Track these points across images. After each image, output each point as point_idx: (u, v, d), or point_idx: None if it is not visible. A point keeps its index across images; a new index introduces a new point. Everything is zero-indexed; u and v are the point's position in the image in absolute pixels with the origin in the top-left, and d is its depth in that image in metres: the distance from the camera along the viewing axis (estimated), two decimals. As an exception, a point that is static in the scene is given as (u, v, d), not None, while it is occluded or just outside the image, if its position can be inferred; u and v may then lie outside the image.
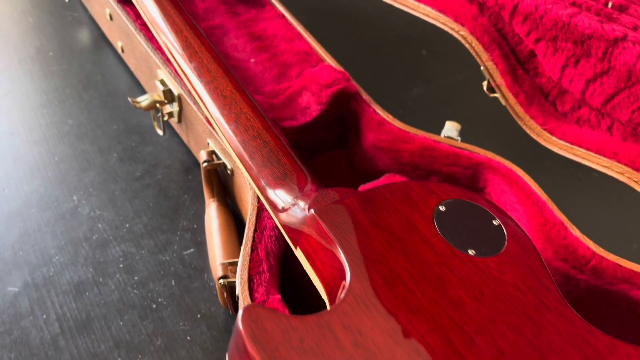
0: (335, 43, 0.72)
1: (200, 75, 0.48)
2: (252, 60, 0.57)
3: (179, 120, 0.55)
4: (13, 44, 0.68)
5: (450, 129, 0.55)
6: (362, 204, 0.37)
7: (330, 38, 0.74)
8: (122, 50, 0.64)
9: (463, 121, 0.67)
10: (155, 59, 0.54)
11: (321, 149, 0.55)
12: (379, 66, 0.73)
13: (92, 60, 0.67)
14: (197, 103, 0.49)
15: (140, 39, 0.57)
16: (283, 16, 0.62)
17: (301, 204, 0.39)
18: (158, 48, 0.55)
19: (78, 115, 0.60)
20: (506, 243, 0.36)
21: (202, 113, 0.49)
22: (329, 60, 0.57)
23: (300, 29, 0.61)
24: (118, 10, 0.60)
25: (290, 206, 0.39)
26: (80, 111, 0.61)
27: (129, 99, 0.53)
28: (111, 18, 0.63)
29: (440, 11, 0.51)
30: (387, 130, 0.51)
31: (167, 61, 0.54)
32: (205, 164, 0.49)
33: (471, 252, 0.35)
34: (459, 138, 0.52)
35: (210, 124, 0.49)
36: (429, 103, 0.68)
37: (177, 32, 0.50)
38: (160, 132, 0.57)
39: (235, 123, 0.44)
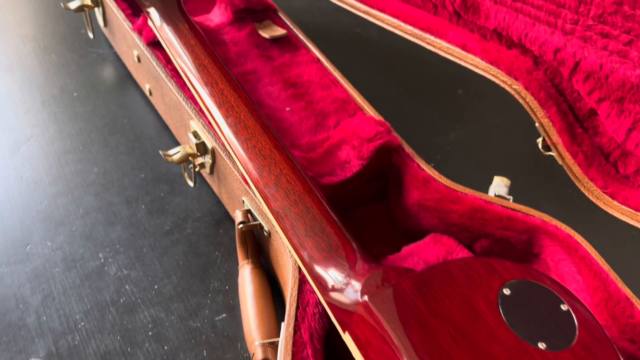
0: (367, 81, 0.70)
1: (237, 132, 0.45)
2: (288, 109, 0.55)
3: (211, 172, 0.53)
4: (37, 84, 0.66)
5: (499, 185, 0.52)
6: (420, 289, 0.34)
7: (361, 75, 0.72)
8: (150, 93, 0.63)
9: (509, 173, 0.64)
10: (188, 109, 0.52)
11: (359, 202, 0.53)
12: (413, 106, 0.71)
13: (118, 101, 0.65)
14: (233, 160, 0.47)
15: (171, 86, 0.55)
16: (318, 60, 0.60)
17: (354, 284, 0.36)
18: (190, 97, 0.53)
19: (104, 162, 0.58)
20: (577, 332, 0.33)
21: (238, 170, 0.47)
22: (367, 108, 0.55)
23: (336, 74, 0.58)
24: (147, 53, 0.58)
25: (342, 286, 0.36)
26: (106, 158, 0.59)
27: (161, 153, 0.51)
28: (139, 60, 0.61)
29: (491, 63, 0.48)
30: (433, 189, 0.48)
31: (200, 111, 0.52)
32: (240, 226, 0.46)
33: (541, 345, 0.32)
34: (510, 197, 0.49)
35: (247, 183, 0.46)
36: (469, 149, 0.66)
37: (212, 84, 0.48)
38: (191, 184, 0.54)
39: (275, 186, 0.42)
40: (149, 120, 0.63)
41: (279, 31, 0.62)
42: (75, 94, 0.65)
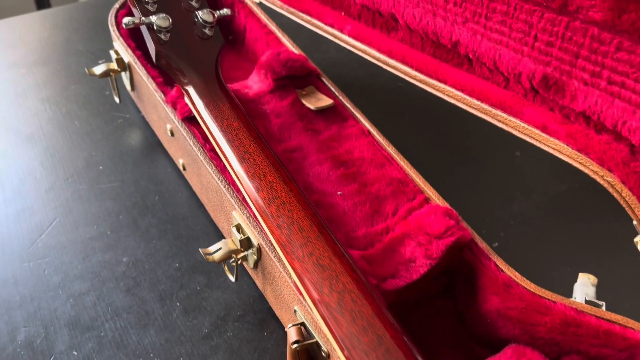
0: (412, 143, 0.65)
1: (290, 235, 0.40)
2: (339, 193, 0.50)
3: (255, 267, 0.48)
4: (59, 156, 0.62)
5: (586, 284, 0.46)
6: None
7: (405, 135, 0.67)
8: (184, 169, 0.58)
9: (587, 255, 0.58)
10: (230, 198, 0.48)
11: (422, 300, 0.47)
12: (467, 172, 0.65)
13: (148, 175, 0.61)
14: (285, 266, 0.42)
15: (210, 170, 0.50)
16: (369, 133, 0.55)
17: None
18: (232, 183, 0.48)
19: (134, 249, 0.53)
20: None
21: (290, 277, 0.42)
22: (429, 190, 0.50)
23: (390, 150, 0.53)
24: (182, 130, 0.53)
25: None
26: (137, 244, 0.54)
27: (201, 251, 0.46)
28: (172, 134, 0.57)
29: (579, 150, 0.43)
30: (516, 296, 0.42)
31: (243, 200, 0.47)
32: (295, 346, 0.41)
33: None
34: (603, 304, 0.43)
35: (301, 294, 0.41)
36: (535, 223, 0.60)
37: (260, 176, 0.43)
38: (231, 279, 0.49)
39: (338, 307, 0.37)
40: (182, 197, 0.59)
41: (325, 101, 0.57)
42: (100, 167, 0.61)
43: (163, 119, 0.58)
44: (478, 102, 0.49)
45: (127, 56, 0.61)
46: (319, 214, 0.43)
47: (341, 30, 0.61)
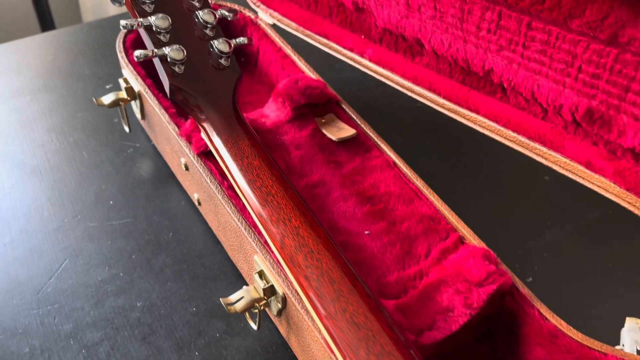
0: (433, 167, 0.62)
1: (320, 287, 0.37)
2: (367, 232, 0.47)
3: (279, 315, 0.45)
4: (67, 191, 0.59)
5: (634, 330, 0.43)
6: None
7: (426, 159, 0.64)
8: (199, 204, 0.55)
9: (627, 289, 0.55)
10: (251, 241, 0.45)
11: (459, 348, 0.44)
12: (494, 199, 0.62)
13: (161, 209, 0.58)
14: (314, 320, 0.39)
15: (228, 209, 0.47)
16: (394, 165, 0.52)
17: None
18: (254, 225, 0.46)
19: (149, 293, 0.51)
20: None
21: (321, 334, 0.39)
22: (463, 230, 0.47)
23: (418, 183, 0.51)
24: (197, 165, 0.51)
25: None
26: (151, 287, 0.51)
27: (222, 301, 0.43)
28: (187, 168, 0.54)
29: (628, 190, 0.40)
30: (563, 347, 0.39)
31: (265, 244, 0.45)
32: (329, 407, 0.38)
33: None
34: (657, 353, 0.40)
35: (333, 354, 0.38)
36: (569, 254, 0.57)
37: (285, 221, 0.41)
38: (254, 327, 0.47)
39: (378, 372, 0.34)
40: (198, 233, 0.56)
41: (347, 131, 0.54)
42: (111, 202, 0.58)
43: (177, 152, 0.55)
44: (514, 134, 0.46)
45: (137, 85, 0.59)
46: (347, 257, 0.41)
47: (361, 55, 0.58)
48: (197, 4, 0.52)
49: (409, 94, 0.54)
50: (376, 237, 0.47)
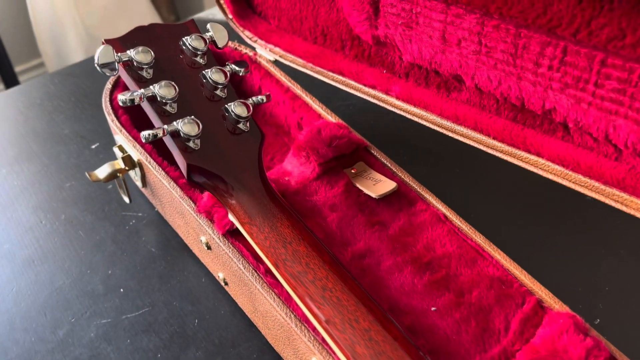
0: (464, 199, 0.56)
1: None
2: (433, 308, 0.41)
3: (347, 418, 0.39)
4: (70, 283, 0.52)
5: None
6: None
7: (458, 192, 0.58)
8: (226, 283, 0.49)
9: None
10: (306, 341, 0.38)
11: None
12: (540, 232, 0.57)
13: (180, 292, 0.51)
14: None
15: (270, 301, 0.41)
16: (445, 218, 0.47)
17: None
18: (306, 319, 0.39)
19: (185, 401, 0.44)
20: None
21: None
22: (540, 291, 0.42)
23: (478, 239, 0.45)
24: (223, 246, 0.44)
25: None
26: (187, 393, 0.45)
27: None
28: (209, 248, 0.47)
29: None
30: None
31: (323, 341, 0.38)
32: None
33: None
34: None
35: None
36: (631, 287, 0.53)
37: (351, 322, 0.35)
38: None
39: None
40: (226, 315, 0.49)
41: (386, 184, 0.48)
42: (122, 290, 0.51)
43: (194, 229, 0.48)
44: (586, 179, 0.41)
45: (136, 153, 0.51)
46: (419, 345, 0.35)
47: (386, 92, 0.52)
48: (201, 61, 0.45)
49: (450, 134, 0.49)
50: (445, 313, 0.41)
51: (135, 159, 0.52)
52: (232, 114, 0.43)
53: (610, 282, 0.54)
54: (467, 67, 0.45)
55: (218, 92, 0.44)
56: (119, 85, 0.57)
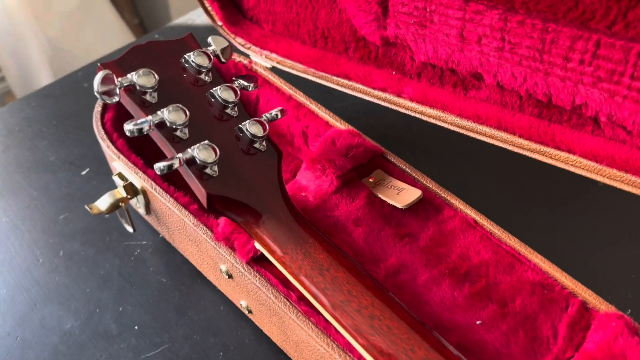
0: (492, 202, 0.55)
1: None
2: (479, 322, 0.40)
3: None
4: (79, 327, 0.48)
5: None
6: None
7: (485, 194, 0.57)
8: (250, 312, 0.46)
9: None
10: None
11: None
12: (557, 223, 0.57)
13: (199, 323, 0.48)
14: None
15: (306, 329, 0.38)
16: (476, 223, 0.45)
17: None
18: (345, 345, 0.37)
19: None
20: None
21: None
22: (582, 291, 0.40)
23: (512, 242, 0.43)
24: (247, 274, 0.41)
25: None
26: None
27: None
28: (230, 276, 0.45)
29: None
30: None
31: (372, 371, 0.36)
32: None
33: None
34: None
35: None
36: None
37: (406, 351, 0.33)
38: None
39: None
40: (252, 345, 0.46)
41: (410, 192, 0.46)
42: (136, 328, 0.48)
43: (212, 258, 0.46)
44: (622, 174, 0.40)
45: (139, 181, 0.48)
46: None
47: (399, 95, 0.50)
48: (206, 78, 0.42)
49: (471, 134, 0.47)
50: (492, 326, 0.39)
51: (139, 187, 0.48)
52: (248, 133, 0.40)
53: (636, 269, 0.53)
54: (488, 64, 0.43)
55: (228, 110, 0.41)
56: (109, 107, 0.53)
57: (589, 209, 0.58)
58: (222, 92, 0.41)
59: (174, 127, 0.38)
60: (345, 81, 0.53)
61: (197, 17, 0.82)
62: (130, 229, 0.52)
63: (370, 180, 0.49)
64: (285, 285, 0.41)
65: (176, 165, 0.36)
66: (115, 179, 0.49)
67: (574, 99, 0.40)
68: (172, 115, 0.38)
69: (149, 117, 0.37)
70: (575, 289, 0.41)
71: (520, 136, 0.44)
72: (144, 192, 0.49)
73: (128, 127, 0.37)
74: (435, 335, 0.34)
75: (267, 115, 0.42)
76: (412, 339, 0.33)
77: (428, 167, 0.52)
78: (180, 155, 0.37)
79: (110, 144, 0.50)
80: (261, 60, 0.58)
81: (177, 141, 0.38)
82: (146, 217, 0.54)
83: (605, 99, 0.39)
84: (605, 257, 0.54)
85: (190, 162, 0.37)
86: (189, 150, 0.37)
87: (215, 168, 0.38)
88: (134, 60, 0.41)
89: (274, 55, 0.57)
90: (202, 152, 0.37)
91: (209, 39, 0.43)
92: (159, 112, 0.38)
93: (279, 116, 0.42)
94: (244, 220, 0.39)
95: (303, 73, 0.56)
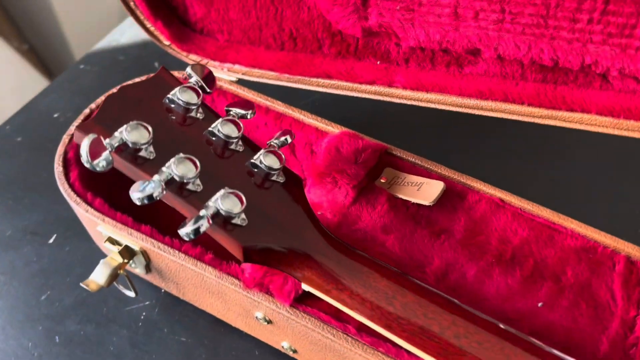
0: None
1: None
2: (540, 304, 0.39)
3: None
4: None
5: None
6: None
7: (469, 161, 0.56)
8: (294, 351, 0.43)
9: None
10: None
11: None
12: (565, 181, 0.57)
13: (238, 376, 0.44)
14: None
15: (372, 359, 0.36)
16: (502, 202, 0.44)
17: None
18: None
19: None
20: None
21: None
22: (624, 247, 0.41)
23: (544, 213, 0.43)
24: (293, 317, 0.38)
25: None
26: None
27: None
28: (269, 321, 0.41)
29: None
30: None
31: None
32: None
33: None
34: None
35: None
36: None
37: (504, 361, 0.31)
38: None
39: None
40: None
41: (431, 186, 0.44)
42: (171, 400, 0.43)
43: (242, 307, 0.41)
44: (641, 124, 0.40)
45: (135, 241, 0.42)
46: (556, 349, 0.32)
47: (390, 85, 0.47)
48: (198, 116, 0.37)
49: (476, 112, 0.45)
50: (553, 304, 0.39)
51: (136, 248, 0.43)
52: (263, 167, 0.36)
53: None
54: (487, 39, 0.41)
55: (233, 146, 0.37)
56: (72, 163, 0.46)
57: (591, 157, 0.59)
58: (223, 128, 0.36)
59: (185, 181, 0.33)
60: (327, 81, 0.49)
61: (121, 35, 0.74)
62: (132, 294, 0.47)
63: (382, 180, 0.46)
64: (338, 319, 0.38)
65: (205, 226, 0.32)
66: (107, 245, 0.43)
67: (583, 60, 0.39)
68: (180, 168, 0.33)
69: (156, 178, 0.32)
70: (617, 246, 0.41)
71: (529, 105, 0.43)
72: (144, 253, 0.43)
73: (136, 195, 0.31)
74: (524, 337, 0.32)
75: (276, 141, 0.38)
76: (506, 349, 0.32)
77: (423, 150, 0.50)
78: (204, 212, 0.32)
79: (89, 207, 0.44)
80: (223, 74, 0.53)
81: (193, 196, 0.33)
82: (145, 277, 0.48)
83: (616, 54, 0.38)
84: (617, 203, 0.55)
85: (214, 215, 0.33)
86: (209, 203, 0.33)
87: (244, 216, 0.34)
88: (113, 112, 0.35)
89: (237, 67, 0.52)
90: (225, 202, 0.33)
91: (188, 70, 0.38)
92: (163, 169, 0.33)
93: (289, 141, 0.38)
94: (284, 265, 0.35)
95: (276, 80, 0.51)
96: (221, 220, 0.33)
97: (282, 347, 0.43)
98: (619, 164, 0.59)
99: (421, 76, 0.46)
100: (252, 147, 0.38)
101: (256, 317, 0.41)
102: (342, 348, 0.37)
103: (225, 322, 0.47)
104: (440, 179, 0.46)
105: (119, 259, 0.43)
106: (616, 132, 0.41)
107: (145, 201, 0.32)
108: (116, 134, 0.33)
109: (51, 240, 0.53)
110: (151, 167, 0.34)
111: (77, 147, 0.41)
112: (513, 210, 0.44)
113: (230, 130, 0.36)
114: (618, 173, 0.58)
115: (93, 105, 0.50)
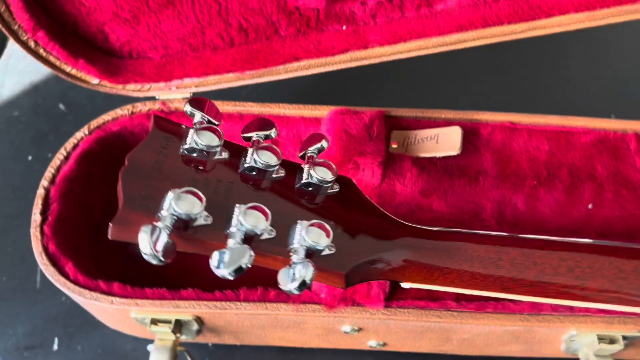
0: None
1: None
2: (590, 206, 0.41)
3: None
4: None
5: None
6: None
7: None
8: (384, 344, 0.41)
9: None
10: (560, 320, 0.35)
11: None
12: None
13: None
14: None
15: (485, 321, 0.36)
16: (515, 124, 0.44)
17: None
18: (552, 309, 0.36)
19: None
20: None
21: None
22: (634, 126, 0.43)
23: (553, 121, 0.44)
24: (395, 316, 0.36)
25: None
26: None
27: None
28: (358, 330, 0.39)
29: None
30: None
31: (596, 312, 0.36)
32: None
33: None
34: None
35: None
36: None
37: (618, 274, 0.32)
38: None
39: None
40: (402, 368, 0.43)
41: (451, 132, 0.43)
42: None
43: (324, 328, 0.39)
44: (616, 8, 0.42)
45: (188, 311, 0.37)
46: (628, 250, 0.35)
47: (366, 47, 0.45)
48: (225, 155, 0.32)
49: (459, 46, 0.44)
50: (599, 203, 0.41)
51: (189, 318, 0.38)
52: (316, 179, 0.32)
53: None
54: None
55: (274, 175, 0.33)
56: (59, 258, 0.39)
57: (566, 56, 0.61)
58: (261, 158, 0.32)
59: (259, 232, 0.29)
60: (296, 64, 0.45)
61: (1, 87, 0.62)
62: (190, 364, 0.42)
63: (394, 146, 0.44)
64: (433, 299, 0.37)
65: (310, 274, 0.28)
66: (155, 329, 0.37)
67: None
68: (249, 220, 0.29)
69: (231, 243, 0.28)
70: (624, 127, 0.44)
71: (510, 23, 0.43)
72: (198, 319, 0.38)
73: (223, 272, 0.27)
74: (617, 245, 0.34)
75: (313, 150, 0.34)
76: (613, 262, 0.33)
77: (417, 103, 0.49)
78: (296, 257, 0.29)
79: (113, 298, 0.37)
80: (174, 94, 0.47)
81: (273, 245, 0.30)
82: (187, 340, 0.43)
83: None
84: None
85: (308, 255, 0.30)
86: (294, 246, 0.29)
87: (331, 244, 0.31)
88: (139, 189, 0.29)
89: (188, 81, 0.46)
90: (312, 236, 0.29)
91: (187, 109, 0.33)
92: (232, 230, 0.28)
93: (325, 146, 0.35)
94: (384, 272, 0.33)
95: (238, 81, 0.46)
96: (316, 257, 0.30)
97: (369, 345, 0.42)
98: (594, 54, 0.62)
99: (395, 28, 0.44)
100: (291, 167, 0.34)
101: (343, 331, 0.39)
102: (450, 324, 0.37)
103: (294, 347, 0.44)
104: (447, 123, 0.45)
105: (171, 337, 0.38)
106: (594, 23, 0.43)
107: (235, 275, 0.27)
108: (163, 212, 0.28)
109: (55, 347, 0.46)
110: (216, 232, 0.29)
111: (122, 244, 0.33)
112: (526, 129, 0.45)
113: (269, 158, 0.32)
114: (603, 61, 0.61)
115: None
